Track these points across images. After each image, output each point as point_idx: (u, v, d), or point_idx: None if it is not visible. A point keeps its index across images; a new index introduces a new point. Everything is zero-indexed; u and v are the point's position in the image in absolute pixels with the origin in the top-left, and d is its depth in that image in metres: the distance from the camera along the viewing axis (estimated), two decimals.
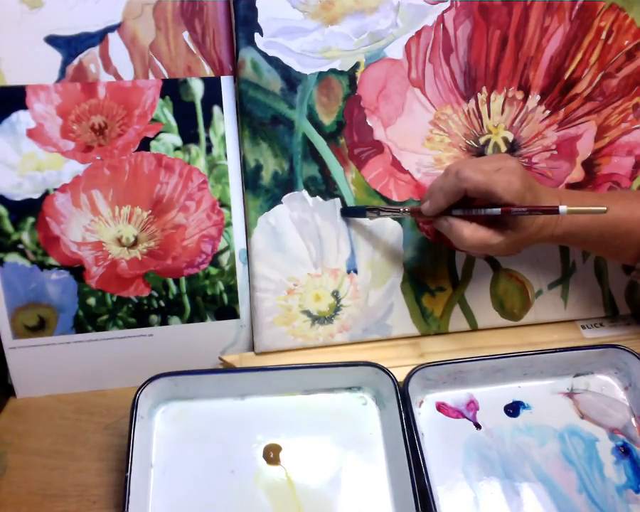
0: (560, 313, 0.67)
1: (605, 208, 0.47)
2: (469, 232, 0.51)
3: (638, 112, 0.62)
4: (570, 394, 0.60)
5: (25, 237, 0.57)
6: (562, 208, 0.48)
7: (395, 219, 0.61)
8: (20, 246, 0.57)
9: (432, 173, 0.60)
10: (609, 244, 0.57)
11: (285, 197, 0.59)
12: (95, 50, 0.54)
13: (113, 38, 0.54)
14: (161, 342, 0.62)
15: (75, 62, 0.54)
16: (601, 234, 0.55)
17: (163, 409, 0.56)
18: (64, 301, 0.59)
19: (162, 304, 0.61)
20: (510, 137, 0.61)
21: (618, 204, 0.54)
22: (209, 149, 0.58)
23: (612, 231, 0.55)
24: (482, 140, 0.60)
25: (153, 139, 0.57)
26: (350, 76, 0.57)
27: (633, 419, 0.58)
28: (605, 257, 0.65)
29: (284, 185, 0.58)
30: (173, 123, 0.57)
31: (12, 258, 0.57)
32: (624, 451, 0.56)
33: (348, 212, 0.60)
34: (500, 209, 0.50)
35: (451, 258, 0.63)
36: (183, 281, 0.61)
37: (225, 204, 0.59)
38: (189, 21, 0.55)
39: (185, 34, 0.55)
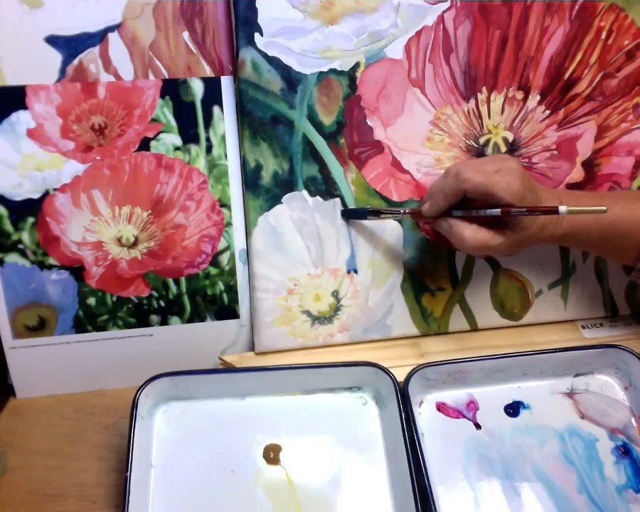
0: (559, 313, 0.67)
1: (605, 208, 0.47)
2: (470, 234, 0.51)
3: (638, 112, 0.62)
4: (570, 394, 0.60)
5: (25, 237, 0.57)
6: (562, 208, 0.48)
7: (395, 220, 0.61)
8: (21, 246, 0.57)
9: (432, 173, 0.60)
10: (608, 245, 0.57)
11: (285, 197, 0.59)
12: (95, 50, 0.54)
13: (113, 38, 0.54)
14: (161, 342, 0.62)
15: (75, 62, 0.54)
16: (602, 234, 0.55)
17: (163, 409, 0.56)
18: (64, 301, 0.59)
19: (162, 304, 0.61)
20: (510, 137, 0.61)
21: (618, 205, 0.54)
22: (209, 149, 0.58)
23: (612, 232, 0.55)
24: (482, 140, 0.60)
25: (153, 139, 0.57)
26: (350, 76, 0.57)
27: (633, 419, 0.58)
28: (605, 257, 0.65)
29: (284, 185, 0.58)
30: (173, 123, 0.57)
31: (12, 258, 0.57)
32: (624, 451, 0.56)
33: (349, 214, 0.60)
34: (500, 210, 0.50)
35: (451, 258, 0.63)
36: (183, 281, 0.61)
37: (225, 204, 0.59)
38: (189, 21, 0.55)
39: (185, 34, 0.55)
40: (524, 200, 0.50)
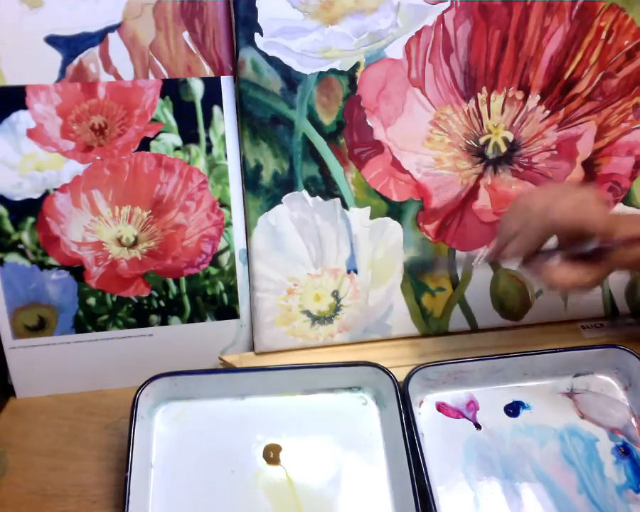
0: (559, 313, 0.67)
1: None
2: (562, 275, 0.47)
3: (638, 112, 0.62)
4: (570, 394, 0.60)
5: (25, 237, 0.57)
6: None
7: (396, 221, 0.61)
8: (21, 246, 0.57)
9: (432, 173, 0.60)
10: None
11: (285, 197, 0.59)
12: (95, 50, 0.54)
13: (113, 38, 0.54)
14: (161, 342, 0.62)
15: (75, 62, 0.54)
16: None
17: (163, 409, 0.56)
18: (64, 301, 0.59)
19: (162, 304, 0.61)
20: (510, 137, 0.61)
21: None
22: (209, 149, 0.58)
23: None
24: (482, 140, 0.60)
25: (153, 139, 0.57)
26: (350, 76, 0.57)
27: (633, 419, 0.58)
28: None
29: (284, 185, 0.58)
30: (173, 123, 0.57)
31: (12, 258, 0.57)
32: (624, 451, 0.56)
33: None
34: (598, 244, 0.46)
35: (451, 258, 0.63)
36: (183, 281, 0.61)
37: (225, 204, 0.59)
38: (189, 21, 0.55)
39: (185, 34, 0.55)
40: (614, 228, 0.46)
